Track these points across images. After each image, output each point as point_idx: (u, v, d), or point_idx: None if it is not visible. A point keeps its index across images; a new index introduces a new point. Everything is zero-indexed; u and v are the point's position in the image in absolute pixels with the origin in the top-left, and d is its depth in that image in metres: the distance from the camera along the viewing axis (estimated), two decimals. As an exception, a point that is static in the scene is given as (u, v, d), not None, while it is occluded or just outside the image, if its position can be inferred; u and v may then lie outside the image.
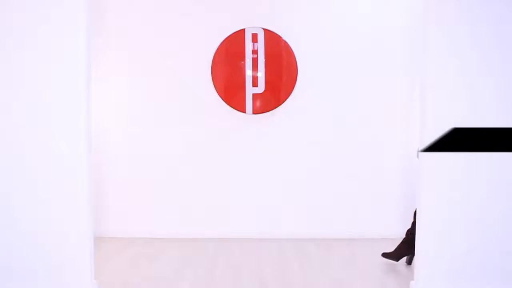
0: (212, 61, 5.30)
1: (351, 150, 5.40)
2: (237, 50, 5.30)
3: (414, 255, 4.51)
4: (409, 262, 4.63)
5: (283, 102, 5.36)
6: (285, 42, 5.32)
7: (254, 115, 5.36)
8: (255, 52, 5.30)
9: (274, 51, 5.31)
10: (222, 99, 5.34)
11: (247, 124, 5.39)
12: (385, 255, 4.65)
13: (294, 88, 5.35)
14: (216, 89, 5.31)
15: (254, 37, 5.30)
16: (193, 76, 5.37)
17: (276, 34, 5.30)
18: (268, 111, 5.37)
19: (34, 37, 3.60)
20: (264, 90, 5.33)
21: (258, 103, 5.34)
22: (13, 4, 3.59)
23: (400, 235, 5.36)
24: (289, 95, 5.35)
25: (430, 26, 3.62)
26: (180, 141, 5.40)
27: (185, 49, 5.35)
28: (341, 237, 5.39)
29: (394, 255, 4.63)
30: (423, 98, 3.69)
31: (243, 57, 5.32)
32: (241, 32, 5.31)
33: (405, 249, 4.60)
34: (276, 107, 5.36)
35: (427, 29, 3.63)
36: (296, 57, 5.32)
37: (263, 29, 5.30)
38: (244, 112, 5.33)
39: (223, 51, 5.31)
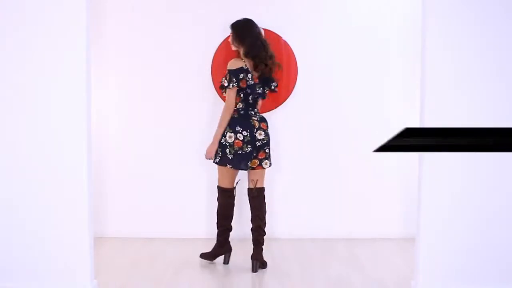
0: (212, 61, 5.29)
1: (351, 149, 5.40)
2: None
3: (228, 253, 4.65)
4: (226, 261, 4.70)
5: (283, 102, 5.36)
6: (285, 42, 5.32)
7: (254, 115, 5.36)
8: (255, 52, 5.29)
9: (274, 51, 5.29)
10: (222, 99, 5.33)
11: (247, 124, 5.39)
12: (202, 255, 4.71)
13: (294, 88, 5.35)
14: (216, 89, 5.31)
15: (254, 37, 5.29)
16: (193, 76, 5.36)
17: (276, 34, 5.30)
18: (268, 111, 5.36)
19: (34, 37, 3.61)
20: (264, 90, 5.32)
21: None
22: (12, 4, 3.59)
23: (400, 235, 5.37)
24: (289, 95, 5.35)
25: (429, 25, 3.62)
26: (180, 141, 5.39)
27: (185, 49, 5.34)
28: (341, 237, 5.38)
29: (210, 255, 4.69)
30: (422, 97, 3.69)
31: (243, 57, 5.31)
32: (241, 32, 5.30)
33: (218, 248, 4.67)
34: (276, 107, 5.36)
35: (426, 28, 3.63)
36: (296, 57, 5.32)
37: (263, 29, 5.29)
38: (244, 112, 5.33)
39: (223, 51, 5.30)
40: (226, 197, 4.61)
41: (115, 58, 5.37)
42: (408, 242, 5.13)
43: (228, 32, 5.11)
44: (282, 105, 5.37)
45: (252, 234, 4.59)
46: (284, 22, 5.34)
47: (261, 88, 4.62)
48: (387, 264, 4.69)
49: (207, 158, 4.57)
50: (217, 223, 4.67)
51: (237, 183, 4.69)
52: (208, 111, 5.37)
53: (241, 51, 4.58)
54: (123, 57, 5.38)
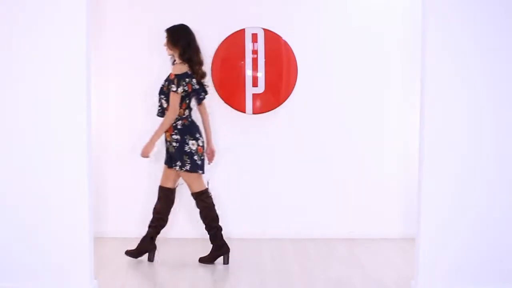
0: (212, 61, 5.30)
1: (351, 150, 5.40)
2: (237, 50, 5.30)
3: (227, 254, 4.63)
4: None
5: (283, 102, 5.36)
6: (285, 42, 5.32)
7: (254, 115, 5.36)
8: (255, 52, 5.30)
9: (274, 51, 5.31)
10: (222, 99, 5.34)
11: (247, 124, 5.39)
12: (201, 260, 4.67)
13: (294, 88, 5.35)
14: (216, 89, 5.31)
15: (254, 37, 5.30)
16: (193, 76, 5.36)
17: (276, 34, 5.30)
18: (268, 111, 5.37)
19: (34, 37, 3.60)
20: (264, 90, 5.33)
21: (258, 103, 5.34)
22: (13, 4, 3.59)
23: (400, 235, 5.37)
24: (289, 95, 5.35)
25: (429, 25, 3.62)
26: (180, 141, 5.39)
27: (185, 49, 5.34)
28: (341, 237, 5.38)
29: (209, 259, 4.66)
30: (422, 98, 3.69)
31: (243, 57, 5.32)
32: (241, 32, 5.31)
33: (216, 251, 4.65)
34: (276, 107, 5.36)
35: (426, 28, 3.63)
36: (296, 57, 5.32)
37: (263, 29, 5.30)
38: (244, 112, 5.33)
39: (223, 51, 5.31)
40: (204, 199, 4.62)
41: (115, 58, 5.37)
42: (408, 242, 5.12)
43: (227, 32, 5.14)
44: (283, 104, 5.36)
45: (153, 224, 4.69)
46: (284, 22, 5.34)
47: (201, 93, 4.66)
48: (387, 264, 4.69)
49: (142, 157, 4.58)
50: (206, 227, 4.64)
51: (208, 182, 4.71)
52: (208, 111, 5.36)
53: (176, 55, 4.60)
54: (123, 57, 5.37)
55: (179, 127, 4.51)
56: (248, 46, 5.31)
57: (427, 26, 3.62)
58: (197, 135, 4.55)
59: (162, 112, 4.61)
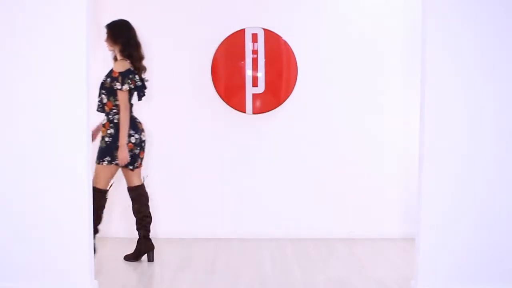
0: (212, 61, 5.30)
1: (351, 150, 5.40)
2: (237, 50, 5.31)
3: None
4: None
5: (283, 102, 5.36)
6: (285, 42, 5.32)
7: (254, 115, 5.36)
8: (255, 52, 5.30)
9: (274, 51, 5.31)
10: (222, 99, 5.34)
11: (247, 124, 5.39)
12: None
13: (294, 88, 5.35)
14: (216, 89, 5.32)
15: (254, 37, 5.30)
16: (193, 76, 5.37)
17: (276, 34, 5.31)
18: (268, 111, 5.37)
19: (34, 37, 3.60)
20: (264, 90, 5.33)
21: (258, 103, 5.34)
22: (13, 4, 3.59)
23: (400, 235, 5.37)
24: (289, 95, 5.35)
25: (429, 25, 3.62)
26: (179, 141, 5.40)
27: (185, 49, 5.35)
28: (341, 237, 5.38)
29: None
30: (422, 98, 3.69)
31: (243, 57, 5.32)
32: (241, 32, 5.31)
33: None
34: (276, 107, 5.36)
35: (426, 28, 3.63)
36: (296, 57, 5.33)
37: (263, 29, 5.30)
38: (244, 112, 5.33)
39: (223, 51, 5.31)
40: (101, 198, 4.53)
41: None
42: (408, 242, 5.13)
43: (227, 32, 5.12)
44: (282, 105, 5.37)
45: (140, 224, 4.63)
46: (284, 22, 5.34)
47: (143, 89, 4.64)
48: (387, 264, 4.69)
49: (123, 164, 4.49)
50: (96, 222, 4.50)
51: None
52: (208, 111, 5.37)
53: (116, 51, 4.59)
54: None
55: (115, 121, 4.49)
56: (248, 46, 5.32)
57: (427, 26, 3.62)
58: (131, 132, 4.52)
59: (102, 108, 4.57)
